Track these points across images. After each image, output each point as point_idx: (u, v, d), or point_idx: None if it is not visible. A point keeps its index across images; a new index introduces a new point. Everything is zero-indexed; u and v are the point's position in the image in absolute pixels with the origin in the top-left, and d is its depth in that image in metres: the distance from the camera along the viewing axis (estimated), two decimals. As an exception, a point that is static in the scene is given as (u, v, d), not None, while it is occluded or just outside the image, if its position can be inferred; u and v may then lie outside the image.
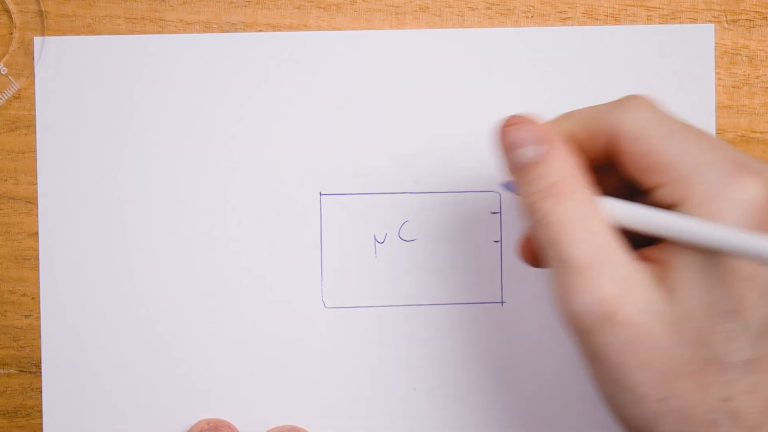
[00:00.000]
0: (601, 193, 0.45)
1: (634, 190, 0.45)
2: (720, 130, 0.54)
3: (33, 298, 0.52)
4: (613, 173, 0.46)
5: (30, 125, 0.52)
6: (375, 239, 0.53)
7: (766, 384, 0.43)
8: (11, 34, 0.52)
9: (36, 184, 0.52)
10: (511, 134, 0.45)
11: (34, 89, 0.52)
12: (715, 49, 0.54)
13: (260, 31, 0.52)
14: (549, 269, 0.44)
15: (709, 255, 0.42)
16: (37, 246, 0.52)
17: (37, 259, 0.52)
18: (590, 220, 0.43)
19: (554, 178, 0.44)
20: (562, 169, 0.44)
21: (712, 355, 0.42)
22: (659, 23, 0.53)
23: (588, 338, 0.43)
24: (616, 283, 0.42)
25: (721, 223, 0.42)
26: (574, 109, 0.46)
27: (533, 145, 0.45)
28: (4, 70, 0.52)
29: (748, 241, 0.41)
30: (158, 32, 0.52)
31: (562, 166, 0.44)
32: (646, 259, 0.44)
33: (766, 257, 0.41)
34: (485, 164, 0.53)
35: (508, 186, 0.46)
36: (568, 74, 0.53)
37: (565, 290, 0.43)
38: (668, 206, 0.43)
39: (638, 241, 0.45)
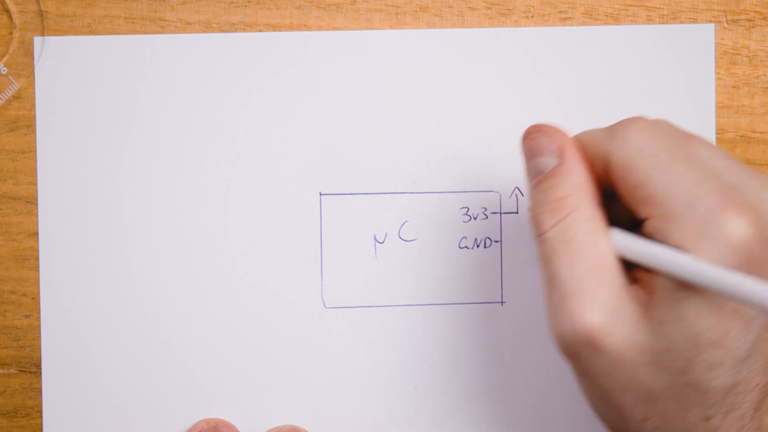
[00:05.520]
0: (607, 217, 0.45)
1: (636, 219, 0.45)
2: (720, 130, 0.54)
3: (33, 298, 0.52)
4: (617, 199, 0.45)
5: (30, 125, 0.52)
6: (375, 239, 0.53)
7: (745, 403, 0.43)
8: (11, 34, 0.52)
9: (36, 184, 0.52)
10: (532, 141, 0.45)
11: (34, 89, 0.52)
12: (715, 49, 0.53)
13: (260, 31, 0.52)
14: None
15: (696, 288, 0.42)
16: (37, 246, 0.52)
17: (37, 259, 0.52)
18: (587, 240, 0.43)
19: (562, 192, 0.44)
20: (571, 185, 0.44)
21: (693, 381, 0.42)
22: (659, 23, 0.53)
23: (573, 358, 0.44)
24: (601, 312, 0.42)
25: (708, 263, 0.41)
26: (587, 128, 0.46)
27: (551, 156, 0.44)
28: (4, 70, 0.52)
29: (732, 282, 0.40)
30: (158, 32, 0.52)
31: (572, 181, 0.44)
32: (638, 280, 0.44)
33: (749, 301, 0.40)
34: (485, 164, 0.53)
35: None
36: (568, 74, 0.53)
37: (553, 310, 0.43)
38: (658, 238, 0.43)
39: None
